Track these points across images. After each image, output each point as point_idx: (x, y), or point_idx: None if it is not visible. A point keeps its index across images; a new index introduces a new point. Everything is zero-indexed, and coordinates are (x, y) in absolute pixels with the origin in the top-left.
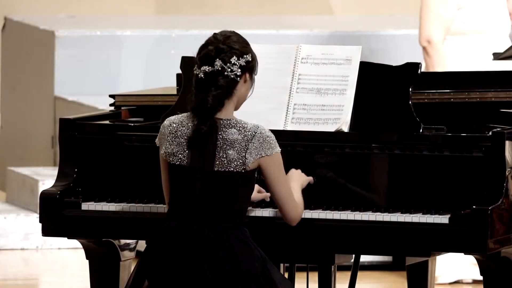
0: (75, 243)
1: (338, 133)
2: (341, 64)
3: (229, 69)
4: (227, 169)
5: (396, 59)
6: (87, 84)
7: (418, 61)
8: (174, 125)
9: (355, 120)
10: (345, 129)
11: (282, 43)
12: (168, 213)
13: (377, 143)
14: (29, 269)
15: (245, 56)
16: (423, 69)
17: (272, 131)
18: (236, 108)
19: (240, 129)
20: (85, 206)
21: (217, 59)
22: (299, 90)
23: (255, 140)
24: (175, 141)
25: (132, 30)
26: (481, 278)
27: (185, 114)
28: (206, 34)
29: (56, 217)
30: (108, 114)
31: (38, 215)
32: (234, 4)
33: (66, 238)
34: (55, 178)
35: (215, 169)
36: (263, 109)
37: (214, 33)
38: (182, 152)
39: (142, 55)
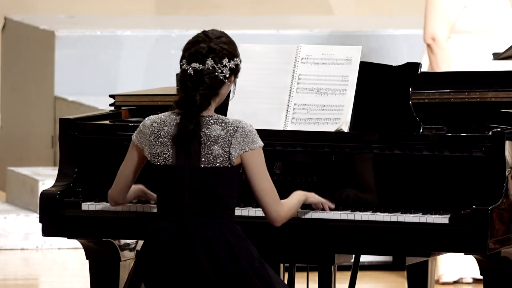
0: (75, 243)
1: (338, 133)
2: (341, 64)
3: (220, 70)
4: (213, 165)
5: (396, 59)
6: (87, 84)
7: (418, 61)
8: (156, 125)
9: (355, 120)
10: (345, 129)
11: (282, 43)
12: (158, 213)
13: (377, 143)
14: (29, 269)
15: (235, 59)
16: (426, 66)
17: (272, 131)
18: (216, 106)
19: (222, 124)
20: (85, 206)
21: (209, 58)
22: (299, 90)
23: (237, 134)
24: (158, 141)
25: (132, 30)
26: (481, 277)
27: (166, 113)
28: None
29: (56, 217)
30: (108, 114)
31: (38, 215)
32: (234, 4)
33: (66, 238)
34: (55, 178)
35: (202, 166)
36: (263, 109)
37: (204, 31)
38: (166, 152)
39: (142, 55)
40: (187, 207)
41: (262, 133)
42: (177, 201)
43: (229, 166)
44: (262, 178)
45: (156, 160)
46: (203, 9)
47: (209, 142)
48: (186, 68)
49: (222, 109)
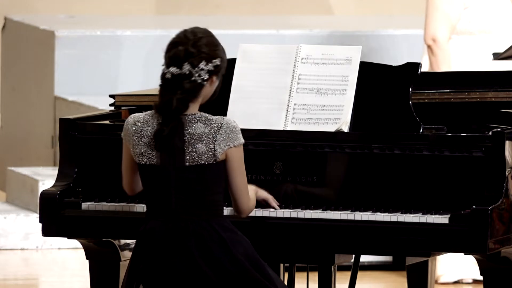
0: (75, 243)
1: (338, 133)
2: (341, 64)
3: (197, 74)
4: (198, 163)
5: (396, 59)
6: (87, 84)
7: (418, 61)
8: (139, 124)
9: (355, 120)
10: (345, 129)
11: (282, 43)
12: (147, 213)
13: (377, 143)
14: (29, 269)
15: (213, 60)
16: (427, 67)
17: (272, 131)
18: (202, 103)
19: (206, 122)
20: (85, 206)
21: (186, 63)
22: (299, 90)
23: (222, 131)
24: (141, 141)
25: (132, 30)
26: (481, 277)
27: (149, 112)
28: None
29: (56, 217)
30: (108, 114)
31: (38, 215)
32: (234, 4)
33: (66, 238)
34: (55, 178)
35: (187, 164)
36: (263, 109)
37: (185, 30)
38: (150, 152)
39: (142, 55)
40: (174, 205)
41: (262, 133)
42: (164, 200)
43: (214, 162)
44: (240, 174)
45: (141, 159)
46: (203, 9)
47: (193, 140)
48: (165, 72)
49: (222, 109)
